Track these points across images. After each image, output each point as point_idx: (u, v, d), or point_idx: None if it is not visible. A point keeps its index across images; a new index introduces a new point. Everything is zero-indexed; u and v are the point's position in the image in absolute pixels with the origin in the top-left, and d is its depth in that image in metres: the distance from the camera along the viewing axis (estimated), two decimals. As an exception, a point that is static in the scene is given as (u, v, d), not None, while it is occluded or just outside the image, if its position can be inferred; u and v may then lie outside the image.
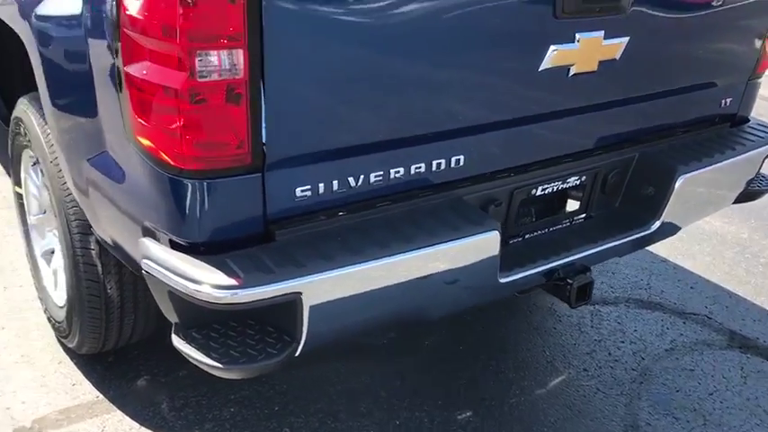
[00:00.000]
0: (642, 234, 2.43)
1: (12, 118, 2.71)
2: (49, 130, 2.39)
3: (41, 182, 2.67)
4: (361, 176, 1.87)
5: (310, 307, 1.72)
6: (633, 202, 2.52)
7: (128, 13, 1.59)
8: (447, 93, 1.93)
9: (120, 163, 1.84)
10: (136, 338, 2.65)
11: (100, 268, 2.39)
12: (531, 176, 2.23)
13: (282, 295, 1.67)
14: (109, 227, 2.04)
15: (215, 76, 1.56)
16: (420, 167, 1.97)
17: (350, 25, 1.71)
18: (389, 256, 1.81)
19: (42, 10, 2.01)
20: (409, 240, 1.85)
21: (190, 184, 1.66)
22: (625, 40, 2.19)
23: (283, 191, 1.77)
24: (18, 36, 2.42)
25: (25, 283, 3.17)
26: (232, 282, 1.63)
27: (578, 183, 2.37)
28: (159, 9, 1.53)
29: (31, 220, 2.93)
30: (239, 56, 1.57)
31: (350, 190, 1.87)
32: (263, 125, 1.66)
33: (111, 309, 2.47)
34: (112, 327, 2.52)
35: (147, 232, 1.80)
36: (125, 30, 1.61)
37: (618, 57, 2.20)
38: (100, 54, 1.77)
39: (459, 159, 2.03)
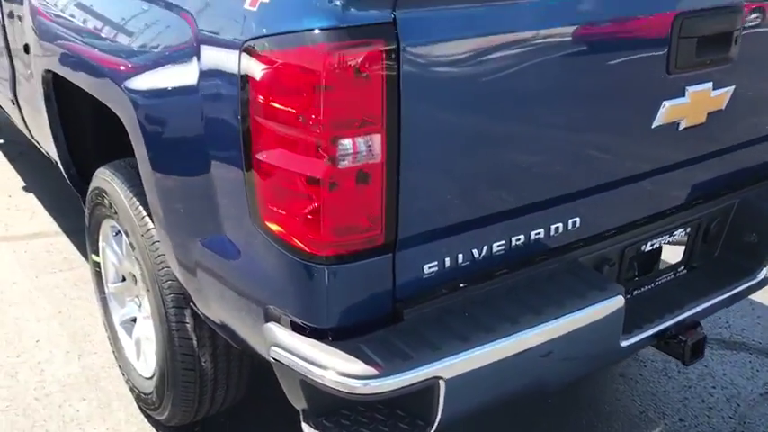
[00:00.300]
0: (750, 284, 2.37)
1: (92, 188, 2.68)
2: (139, 204, 2.36)
3: (125, 252, 2.62)
4: (485, 247, 1.82)
5: (446, 389, 1.66)
6: (734, 250, 2.46)
7: (259, 99, 1.55)
8: (568, 156, 1.89)
9: (241, 246, 1.79)
10: (225, 406, 2.60)
11: (195, 342, 2.34)
12: (640, 232, 2.17)
13: (422, 381, 1.61)
14: (220, 308, 1.99)
15: (353, 162, 1.52)
16: (539, 233, 1.91)
17: (480, 98, 1.67)
18: (522, 331, 1.75)
19: (146, 81, 1.95)
20: (539, 313, 1.79)
21: (322, 270, 1.61)
22: (731, 89, 2.14)
23: (412, 269, 1.71)
24: (92, 103, 2.41)
25: (100, 349, 3.13)
26: (373, 371, 1.58)
27: (683, 235, 2.31)
28: (296, 96, 1.49)
29: (109, 288, 2.89)
30: (377, 139, 1.53)
31: (473, 262, 1.81)
32: (398, 205, 1.61)
33: (205, 381, 2.42)
34: (205, 398, 2.47)
35: (272, 317, 1.75)
36: (255, 116, 1.57)
37: (724, 107, 2.15)
38: (219, 135, 1.73)
39: (575, 221, 1.97)
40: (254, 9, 1.55)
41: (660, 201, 2.20)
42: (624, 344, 2.03)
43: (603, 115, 1.93)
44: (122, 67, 1.98)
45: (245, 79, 1.57)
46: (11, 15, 3.20)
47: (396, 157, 1.56)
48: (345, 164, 1.51)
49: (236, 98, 1.62)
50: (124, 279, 2.82)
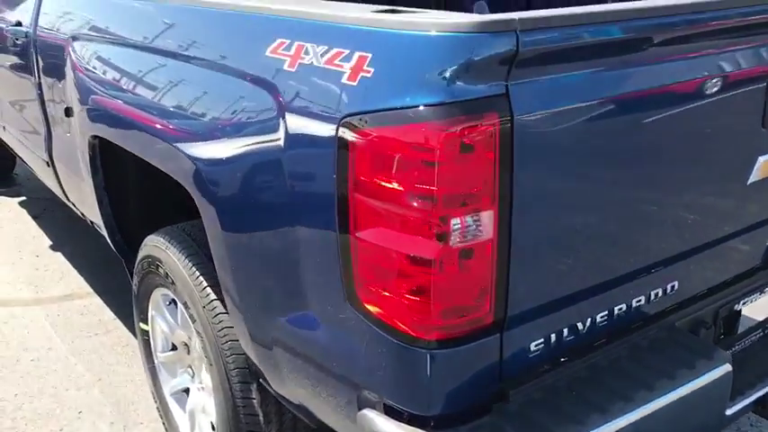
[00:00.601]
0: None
1: (142, 256, 2.58)
2: (199, 274, 2.26)
3: (180, 323, 2.51)
4: (588, 319, 1.72)
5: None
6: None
7: (361, 176, 1.46)
8: (669, 218, 1.80)
9: (330, 325, 1.68)
10: (289, 483, 2.47)
11: (261, 417, 2.23)
12: (734, 291, 2.07)
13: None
14: (299, 387, 1.87)
15: (465, 240, 1.42)
16: (639, 300, 1.81)
17: (587, 164, 1.58)
18: (635, 409, 1.64)
19: (221, 152, 1.83)
20: (651, 388, 1.69)
21: (427, 354, 1.50)
22: (822, 139, 2.06)
23: (518, 347, 1.61)
24: (141, 169, 2.33)
25: (146, 419, 3.00)
26: (488, 464, 1.47)
27: (773, 290, 2.21)
28: (404, 173, 1.40)
29: (158, 357, 2.77)
30: (490, 215, 1.43)
31: (577, 335, 1.71)
32: (507, 282, 1.51)
33: (270, 457, 2.30)
34: (270, 473, 2.35)
35: (366, 402, 1.63)
36: (355, 193, 1.48)
37: (816, 158, 2.07)
38: (308, 211, 1.63)
39: (673, 285, 1.88)
40: (354, 84, 1.46)
41: (754, 257, 2.10)
42: (729, 412, 1.92)
43: (702, 174, 1.85)
44: (193, 137, 1.89)
45: (344, 155, 1.48)
46: (48, 73, 3.13)
47: (507, 232, 1.47)
48: (457, 242, 1.41)
49: (331, 174, 1.52)
50: (174, 348, 2.71)
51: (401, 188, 1.41)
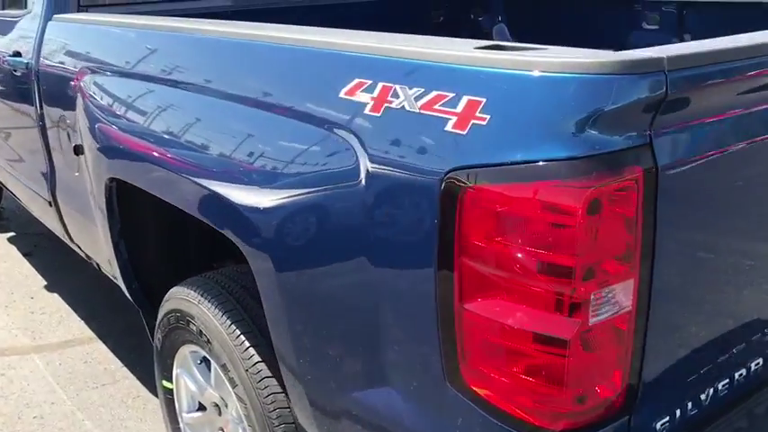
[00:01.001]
0: None
1: (168, 310, 2.34)
2: (240, 332, 2.03)
3: (214, 383, 2.27)
4: (711, 389, 1.52)
5: None
6: None
7: (474, 241, 1.24)
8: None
9: (420, 406, 1.46)
10: None
11: (313, 493, 2.00)
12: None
13: None
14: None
15: (603, 315, 1.21)
16: (758, 363, 1.62)
17: (723, 214, 1.39)
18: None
19: (281, 198, 1.59)
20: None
21: (550, 445, 1.29)
22: None
23: (646, 428, 1.40)
24: (164, 214, 2.09)
25: (167, 482, 2.75)
26: None
27: None
28: (532, 239, 1.19)
29: (184, 418, 2.53)
30: (631, 284, 1.23)
31: (699, 408, 1.51)
32: (642, 359, 1.31)
33: None
34: None
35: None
36: (463, 257, 1.26)
37: None
38: (397, 274, 1.42)
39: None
40: (464, 133, 1.24)
41: None
42: None
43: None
44: (246, 185, 1.65)
45: (449, 215, 1.27)
46: (52, 109, 2.88)
47: (646, 301, 1.27)
48: (594, 318, 1.21)
49: (429, 236, 1.31)
50: (201, 408, 2.47)
51: (527, 256, 1.20)
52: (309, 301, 1.63)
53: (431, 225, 1.31)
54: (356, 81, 1.46)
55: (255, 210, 1.63)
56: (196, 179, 1.80)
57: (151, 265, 2.65)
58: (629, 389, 1.31)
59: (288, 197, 1.57)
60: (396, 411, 1.52)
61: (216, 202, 1.75)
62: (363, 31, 1.60)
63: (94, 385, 3.36)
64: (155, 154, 1.99)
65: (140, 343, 3.60)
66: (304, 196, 1.55)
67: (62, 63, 2.74)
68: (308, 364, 1.71)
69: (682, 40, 3.25)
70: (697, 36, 3.18)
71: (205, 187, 1.76)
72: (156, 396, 3.25)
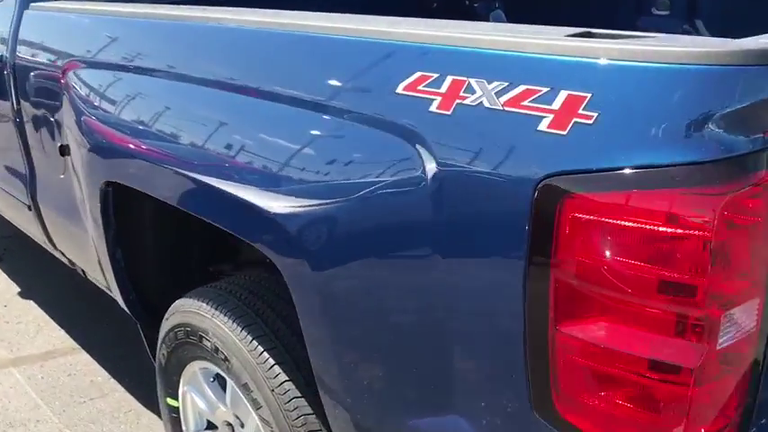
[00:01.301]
0: None
1: (174, 324, 2.15)
2: (263, 349, 1.86)
3: (230, 403, 2.09)
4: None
5: None
6: None
7: (571, 256, 1.09)
8: None
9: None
10: None
11: None
12: None
13: None
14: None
15: (729, 339, 1.07)
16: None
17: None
18: None
19: (324, 206, 1.42)
20: None
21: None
22: None
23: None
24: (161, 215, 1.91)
25: (170, 506, 2.56)
26: None
27: None
28: (652, 255, 1.04)
29: (191, 438, 2.35)
30: (755, 304, 1.09)
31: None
32: (758, 384, 1.17)
33: None
34: None
35: None
36: (559, 274, 1.11)
37: None
38: (471, 291, 1.26)
39: None
40: (564, 133, 1.09)
41: None
42: None
43: None
44: (286, 195, 1.47)
45: (544, 226, 1.11)
46: (32, 105, 2.65)
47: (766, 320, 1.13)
48: (722, 343, 1.06)
49: (516, 253, 1.15)
50: (210, 426, 2.29)
51: (643, 273, 1.05)
52: (361, 321, 1.47)
53: (519, 239, 1.15)
54: (418, 75, 1.29)
55: (297, 221, 1.45)
56: (223, 186, 1.60)
57: (149, 273, 2.45)
58: (743, 418, 1.18)
59: (338, 208, 1.40)
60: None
61: (248, 212, 1.56)
62: (424, 19, 1.43)
63: (81, 399, 3.14)
64: (160, 157, 1.79)
65: (127, 352, 3.40)
66: (358, 207, 1.37)
67: (43, 56, 2.51)
68: (355, 386, 1.55)
69: (693, 26, 3.14)
70: (710, 23, 3.08)
71: (234, 195, 1.57)
72: (149, 409, 3.08)
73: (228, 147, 1.60)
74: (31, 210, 2.92)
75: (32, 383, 3.25)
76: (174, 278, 2.46)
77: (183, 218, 2.01)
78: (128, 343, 3.47)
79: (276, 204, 1.47)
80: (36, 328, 3.69)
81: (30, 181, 2.85)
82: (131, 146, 1.98)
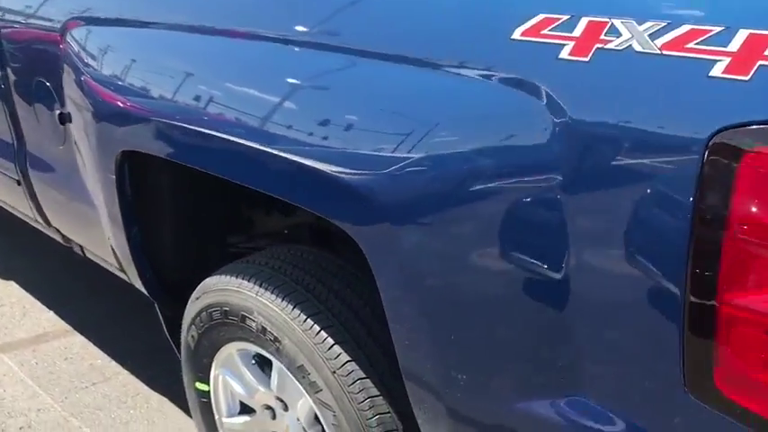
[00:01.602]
0: None
1: (208, 303, 1.98)
2: (320, 328, 1.72)
3: (277, 387, 1.93)
4: None
5: None
6: None
7: (758, 219, 0.96)
8: None
9: (637, 421, 1.19)
10: None
11: None
12: None
13: None
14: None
15: None
16: None
17: None
18: None
19: (427, 173, 1.25)
20: None
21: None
22: None
23: None
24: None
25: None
26: None
27: None
28: None
29: (224, 423, 2.19)
30: None
31: None
32: None
33: None
34: None
35: None
36: (742, 243, 0.98)
37: None
38: (600, 256, 1.13)
39: None
40: (745, 78, 0.95)
41: None
42: None
43: None
44: (379, 165, 1.30)
45: (717, 190, 0.98)
46: (21, 70, 2.41)
47: None
48: None
49: (677, 217, 1.02)
50: (246, 410, 2.14)
51: None
52: (469, 304, 1.32)
53: (682, 202, 1.02)
54: (541, 17, 1.13)
55: (392, 197, 1.29)
56: (291, 155, 1.42)
57: (166, 250, 2.27)
58: None
59: (445, 178, 1.24)
60: (590, 426, 1.25)
61: (327, 186, 1.39)
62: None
63: (83, 385, 2.95)
64: (217, 123, 1.59)
65: (123, 332, 3.22)
66: (466, 174, 1.22)
67: (34, 13, 2.26)
68: (454, 373, 1.40)
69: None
70: None
71: (307, 165, 1.40)
72: (157, 392, 2.91)
73: (302, 109, 1.42)
74: (20, 185, 2.69)
75: (26, 370, 3.04)
76: (194, 254, 2.29)
77: (201, 190, 1.83)
78: (123, 322, 3.28)
79: (363, 178, 1.31)
80: (22, 310, 3.46)
81: (18, 154, 2.61)
82: (158, 111, 1.77)
